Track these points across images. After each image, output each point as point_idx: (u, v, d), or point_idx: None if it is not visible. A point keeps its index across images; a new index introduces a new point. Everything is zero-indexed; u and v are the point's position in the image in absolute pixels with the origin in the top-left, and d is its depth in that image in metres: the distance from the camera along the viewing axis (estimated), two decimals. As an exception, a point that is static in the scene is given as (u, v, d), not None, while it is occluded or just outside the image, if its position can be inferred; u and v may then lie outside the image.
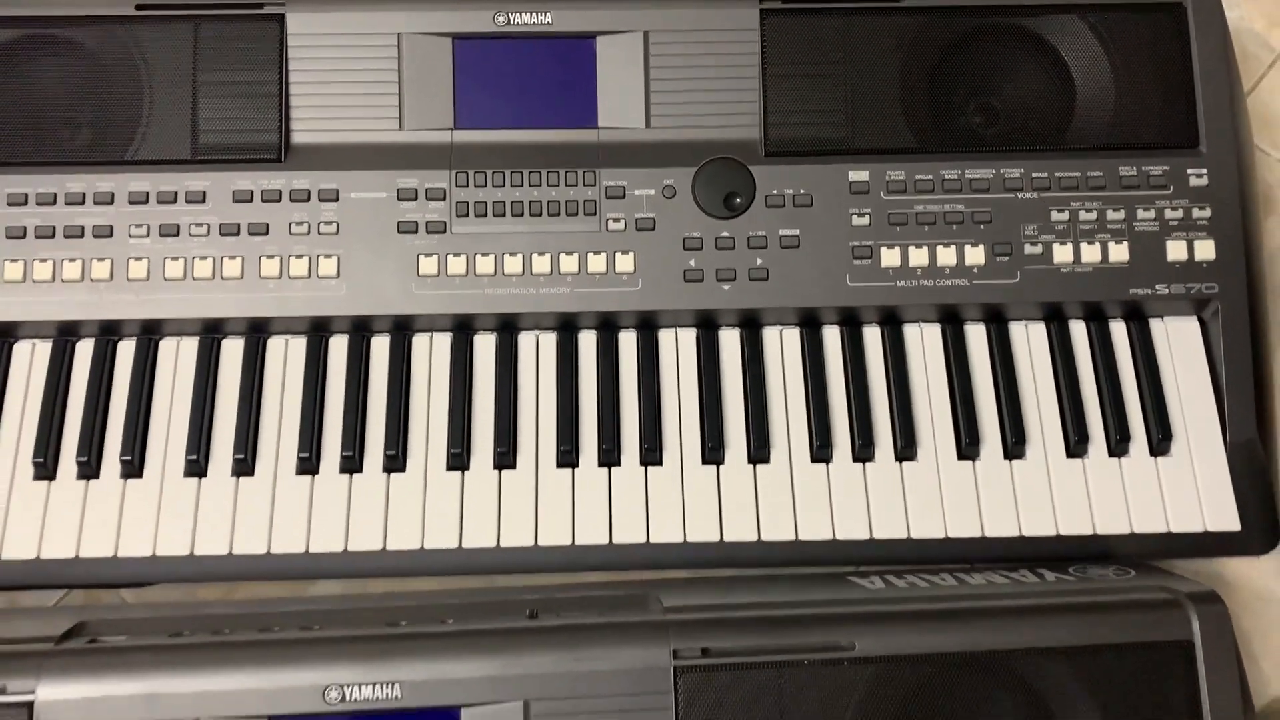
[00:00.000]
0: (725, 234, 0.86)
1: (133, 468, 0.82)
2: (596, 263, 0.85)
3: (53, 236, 0.84)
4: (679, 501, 0.83)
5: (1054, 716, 0.72)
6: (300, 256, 0.84)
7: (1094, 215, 0.87)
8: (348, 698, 0.67)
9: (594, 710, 0.69)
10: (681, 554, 0.82)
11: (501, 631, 0.70)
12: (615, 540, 0.82)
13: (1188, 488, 0.83)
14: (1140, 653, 0.72)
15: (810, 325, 0.87)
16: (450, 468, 0.83)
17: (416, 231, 0.85)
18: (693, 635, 0.70)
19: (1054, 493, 0.83)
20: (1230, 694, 0.73)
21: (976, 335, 0.87)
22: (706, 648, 0.70)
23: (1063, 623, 0.73)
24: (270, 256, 0.84)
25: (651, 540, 0.82)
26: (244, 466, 0.82)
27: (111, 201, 0.84)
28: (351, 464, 0.82)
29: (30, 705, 0.65)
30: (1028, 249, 0.86)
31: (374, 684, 0.67)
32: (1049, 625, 0.72)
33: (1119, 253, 0.86)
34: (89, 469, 0.81)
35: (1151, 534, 0.82)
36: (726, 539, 0.82)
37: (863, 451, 0.84)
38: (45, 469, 0.81)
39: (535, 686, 0.68)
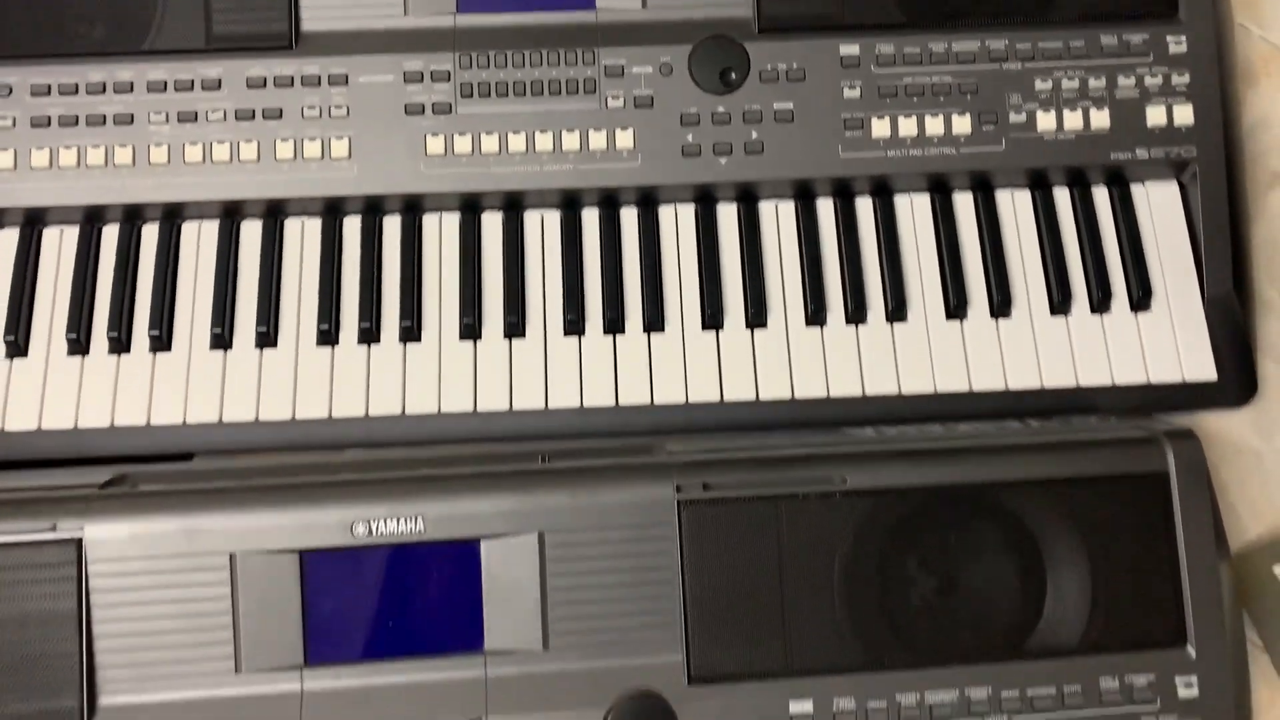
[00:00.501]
0: (721, 109, 0.89)
1: (161, 342, 0.86)
2: (597, 139, 0.88)
3: (76, 124, 0.88)
4: (681, 365, 0.87)
5: (1037, 544, 0.76)
6: (313, 139, 0.88)
7: (1076, 83, 0.90)
8: (374, 531, 0.72)
9: (603, 541, 0.73)
10: (684, 415, 0.86)
11: (517, 472, 0.75)
12: (621, 403, 0.86)
13: (1167, 341, 0.87)
14: (1118, 484, 0.77)
15: (805, 197, 0.91)
16: (463, 337, 0.87)
17: (423, 113, 0.89)
18: (694, 473, 0.75)
19: (1038, 348, 0.87)
20: (1203, 525, 0.78)
21: (964, 203, 0.91)
22: (707, 483, 0.75)
23: (1045, 458, 0.77)
24: (285, 139, 0.88)
25: (655, 402, 0.86)
26: (267, 339, 0.86)
27: (131, 90, 0.88)
28: (369, 335, 0.86)
29: (79, 541, 0.70)
30: (1013, 118, 0.89)
31: (399, 518, 0.72)
32: (1032, 460, 0.77)
33: (1100, 119, 0.89)
34: (119, 344, 0.86)
35: (1132, 385, 0.87)
36: (726, 399, 0.86)
37: (855, 314, 0.88)
38: (79, 344, 0.86)
39: (548, 520, 0.73)
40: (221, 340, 0.86)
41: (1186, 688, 0.75)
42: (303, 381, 0.85)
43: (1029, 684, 0.74)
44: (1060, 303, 0.88)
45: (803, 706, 0.73)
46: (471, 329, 0.87)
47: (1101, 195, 0.91)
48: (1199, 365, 0.87)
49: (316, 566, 0.71)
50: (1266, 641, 0.86)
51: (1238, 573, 0.85)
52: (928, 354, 0.87)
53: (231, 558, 0.71)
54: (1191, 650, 0.76)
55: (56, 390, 0.85)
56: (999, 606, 0.76)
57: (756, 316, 0.87)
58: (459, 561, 0.73)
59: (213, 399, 0.85)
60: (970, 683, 0.74)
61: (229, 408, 0.85)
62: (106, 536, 0.70)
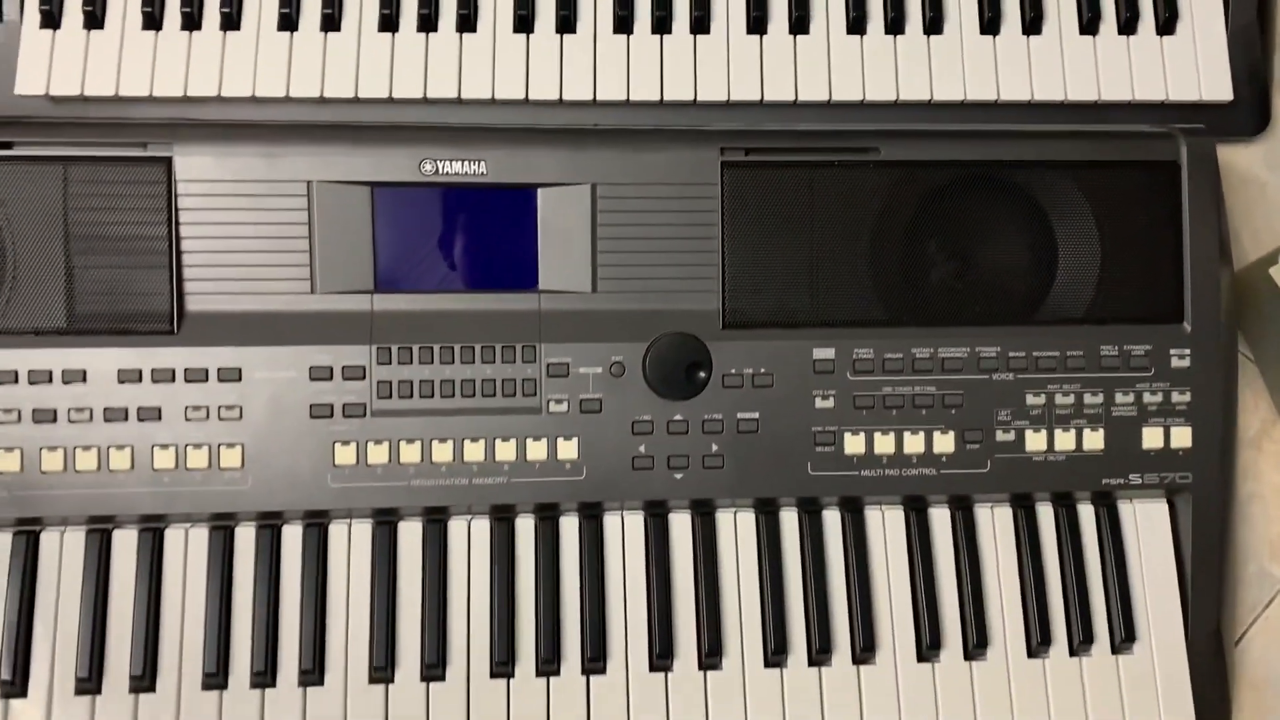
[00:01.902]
0: None
1: (231, 20, 0.90)
2: None
3: None
4: (724, 65, 0.91)
5: (1052, 221, 0.82)
6: None
7: None
8: (440, 170, 0.78)
9: (651, 195, 0.79)
10: (725, 114, 0.91)
11: (575, 130, 0.80)
12: (666, 98, 0.90)
13: (1188, 62, 0.91)
14: (1132, 170, 0.82)
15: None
16: (516, 30, 0.91)
17: None
18: (738, 139, 0.80)
19: (1065, 64, 0.91)
20: (1209, 214, 0.83)
21: (1001, -76, 0.94)
22: (749, 148, 0.80)
23: (1065, 143, 0.82)
24: None
25: (699, 99, 0.90)
26: (331, 23, 0.90)
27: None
28: (428, 22, 0.90)
29: (169, 160, 0.76)
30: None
31: (463, 160, 0.78)
32: (1053, 144, 0.82)
33: None
34: (191, 21, 0.90)
35: (1151, 102, 0.91)
36: (767, 99, 0.90)
37: (894, 25, 0.91)
38: (153, 19, 0.89)
39: (602, 173, 0.79)
40: (288, 21, 0.90)
41: (1180, 359, 0.82)
42: (365, 63, 0.89)
43: (1035, 347, 0.81)
44: (1089, 22, 0.92)
45: (825, 353, 0.80)
46: (525, 21, 0.91)
47: (1135, -78, 0.94)
48: (1216, 86, 0.91)
49: (386, 200, 0.77)
50: (1257, 353, 0.93)
51: (1236, 289, 0.91)
52: (960, 65, 0.91)
53: (309, 186, 0.76)
54: (1187, 326, 0.82)
55: (132, 60, 0.89)
56: (1013, 277, 0.82)
57: (800, 24, 0.91)
58: (517, 205, 0.78)
59: (279, 76, 0.89)
60: (981, 342, 0.81)
61: (295, 84, 0.89)
62: (194, 158, 0.76)
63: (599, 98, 0.90)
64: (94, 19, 0.90)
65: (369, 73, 0.90)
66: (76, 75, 0.89)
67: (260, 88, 0.89)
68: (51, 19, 0.89)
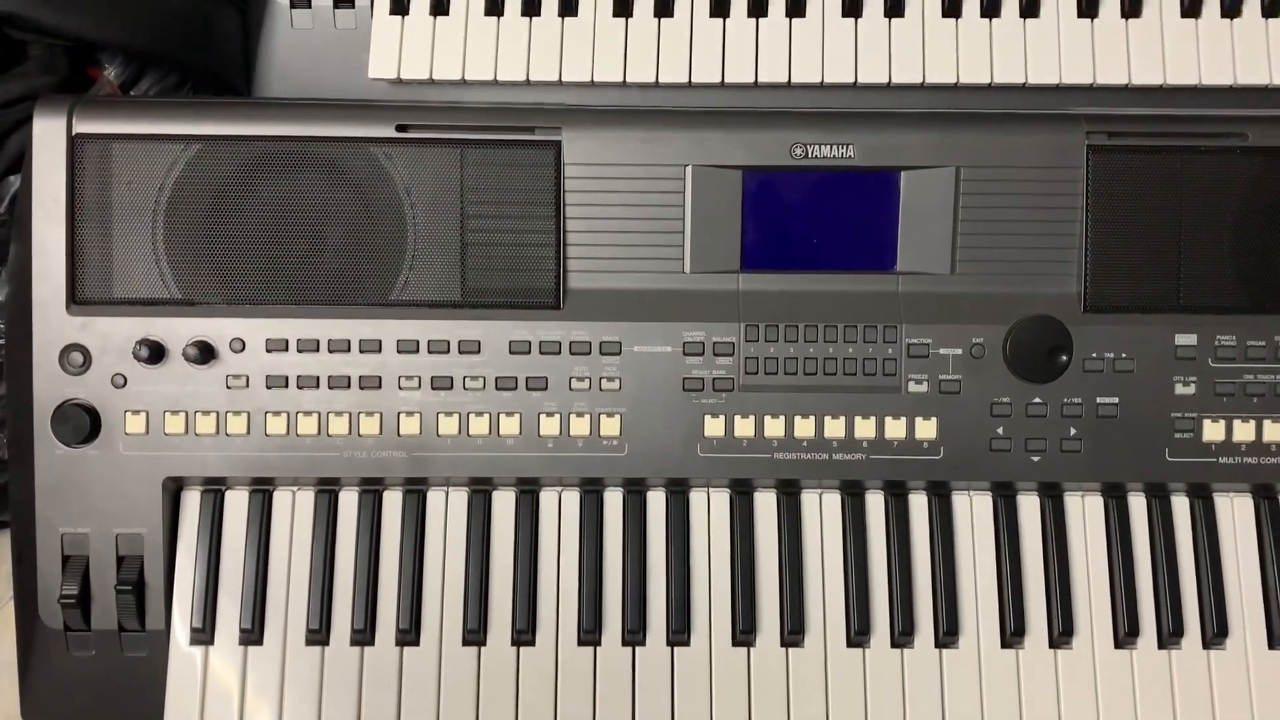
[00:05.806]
0: None
1: (570, 6, 0.93)
2: None
3: None
4: (1056, 49, 0.91)
5: None
6: None
7: None
8: (810, 154, 0.80)
9: (1015, 179, 0.80)
10: (1021, 97, 0.91)
11: (940, 113, 0.82)
12: (995, 81, 0.91)
13: None
14: None
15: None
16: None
17: None
18: (1103, 123, 0.81)
19: None
20: None
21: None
22: (1113, 131, 0.80)
23: None
24: None
25: (1029, 82, 0.91)
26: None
27: None
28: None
29: (559, 143, 0.80)
30: None
31: (832, 144, 0.80)
32: None
33: None
34: (531, 7, 0.93)
35: None
36: (1100, 82, 0.90)
37: (1230, 9, 0.90)
38: (495, 6, 0.93)
39: (966, 155, 0.80)
40: (624, 7, 0.93)
41: None
42: (699, 48, 0.91)
43: (1404, 337, 0.80)
44: None
45: (1188, 339, 0.80)
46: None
47: None
48: None
49: (756, 182, 0.80)
50: None
51: None
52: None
53: (685, 169, 0.79)
54: None
55: (477, 45, 0.93)
56: (1381, 266, 0.80)
57: (1133, 7, 0.91)
58: (880, 187, 0.80)
59: (616, 60, 0.92)
60: (1348, 331, 0.80)
61: (631, 69, 0.91)
62: (580, 141, 0.80)
63: (927, 80, 0.91)
64: (440, 5, 0.94)
65: (706, 57, 0.92)
66: (425, 60, 0.94)
67: (598, 73, 0.93)
68: (401, 6, 0.94)
